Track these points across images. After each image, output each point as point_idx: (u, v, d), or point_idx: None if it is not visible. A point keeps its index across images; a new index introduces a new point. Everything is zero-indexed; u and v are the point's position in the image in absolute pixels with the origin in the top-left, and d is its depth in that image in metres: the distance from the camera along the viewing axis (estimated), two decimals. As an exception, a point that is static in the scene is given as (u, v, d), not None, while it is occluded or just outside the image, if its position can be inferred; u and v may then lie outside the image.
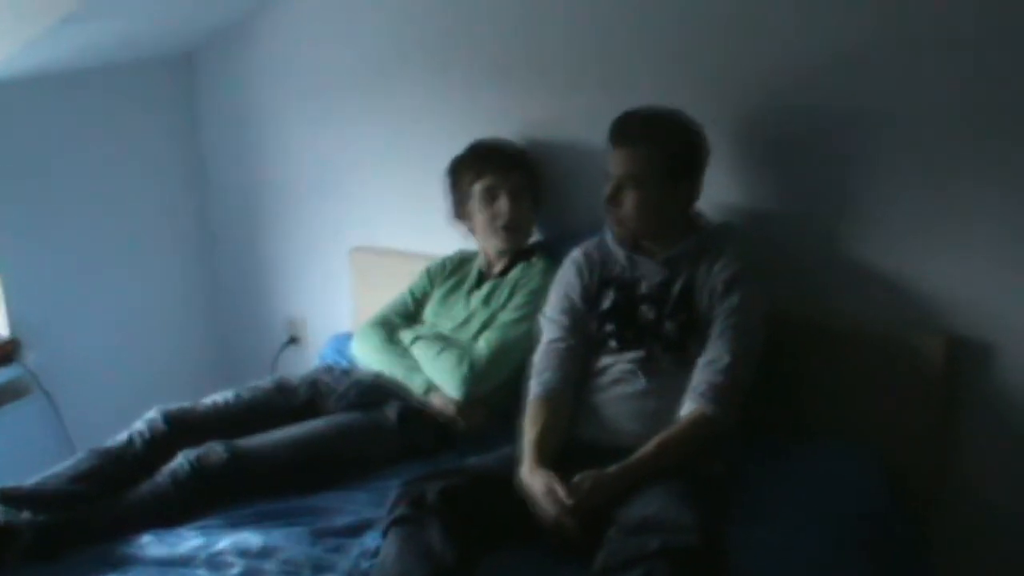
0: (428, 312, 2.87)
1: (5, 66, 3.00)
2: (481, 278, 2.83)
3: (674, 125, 2.28)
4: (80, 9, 2.77)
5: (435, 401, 2.59)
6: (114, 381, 3.64)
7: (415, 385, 2.62)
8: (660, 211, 2.28)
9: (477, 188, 2.75)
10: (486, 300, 2.74)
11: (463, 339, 2.68)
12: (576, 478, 1.97)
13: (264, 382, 2.75)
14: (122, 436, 2.44)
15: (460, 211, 2.84)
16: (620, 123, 2.27)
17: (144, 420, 2.48)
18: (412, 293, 2.94)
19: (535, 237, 2.89)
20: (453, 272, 2.92)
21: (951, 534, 2.37)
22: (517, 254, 2.78)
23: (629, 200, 2.25)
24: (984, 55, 2.12)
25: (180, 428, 2.46)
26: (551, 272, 2.56)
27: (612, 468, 2.00)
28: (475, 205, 2.77)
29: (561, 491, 1.95)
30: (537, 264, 2.72)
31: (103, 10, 2.91)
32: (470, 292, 2.81)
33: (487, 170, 2.74)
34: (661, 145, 2.24)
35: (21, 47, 2.91)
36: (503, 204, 2.72)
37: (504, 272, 2.78)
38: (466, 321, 2.73)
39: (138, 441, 2.42)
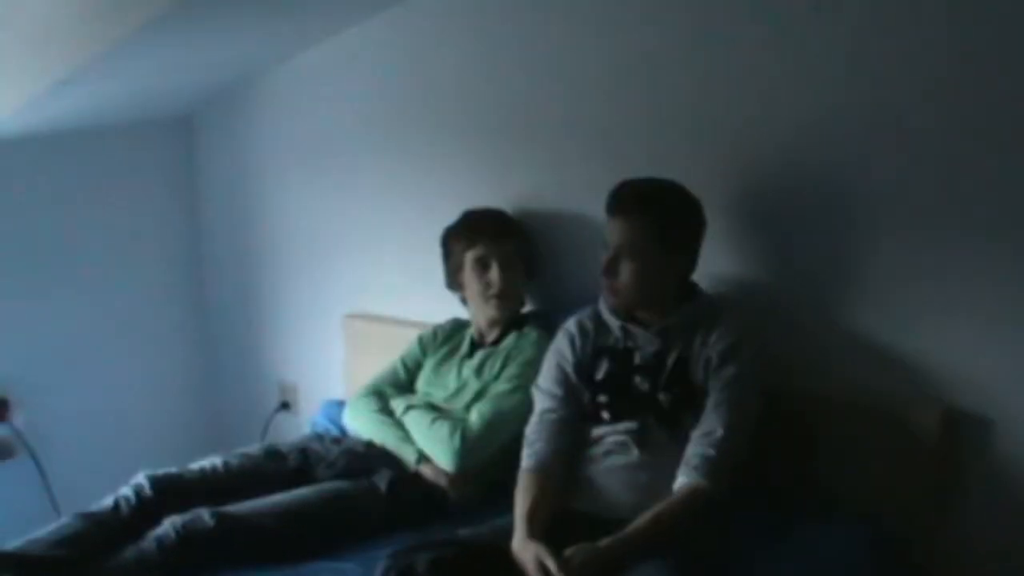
0: (420, 381, 2.86)
1: (3, 124, 3.01)
2: (474, 347, 2.82)
3: (672, 196, 2.28)
4: (76, 72, 2.79)
5: (427, 472, 2.56)
6: (102, 444, 3.62)
7: (407, 455, 2.60)
8: (656, 282, 2.28)
9: (469, 257, 2.76)
10: (478, 370, 2.72)
11: (455, 409, 2.66)
12: (567, 552, 1.94)
13: (253, 448, 2.72)
14: (108, 500, 2.40)
15: (453, 280, 2.85)
16: (618, 193, 2.27)
17: (131, 485, 2.44)
18: (404, 362, 2.93)
19: (529, 307, 2.89)
20: (446, 341, 2.91)
21: None
22: (510, 324, 2.78)
23: (625, 270, 2.24)
24: (978, 125, 2.13)
25: (167, 493, 2.42)
26: (544, 342, 2.56)
27: (604, 541, 1.97)
28: (467, 274, 2.78)
29: (552, 564, 1.92)
30: (530, 334, 2.71)
31: (101, 73, 2.92)
32: (462, 361, 2.80)
33: (479, 239, 2.75)
34: (658, 216, 2.24)
35: (20, 106, 2.93)
36: (494, 273, 2.72)
37: (496, 342, 2.77)
38: (458, 391, 2.71)
39: (124, 506, 2.38)
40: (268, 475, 2.58)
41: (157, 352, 3.93)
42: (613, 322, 2.33)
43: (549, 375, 2.38)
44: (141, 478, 2.46)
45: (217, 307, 4.03)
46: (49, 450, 3.43)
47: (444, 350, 2.88)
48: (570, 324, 2.42)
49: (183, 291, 4.00)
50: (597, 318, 2.38)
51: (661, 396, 2.23)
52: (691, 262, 2.34)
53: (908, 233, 2.25)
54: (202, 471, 2.57)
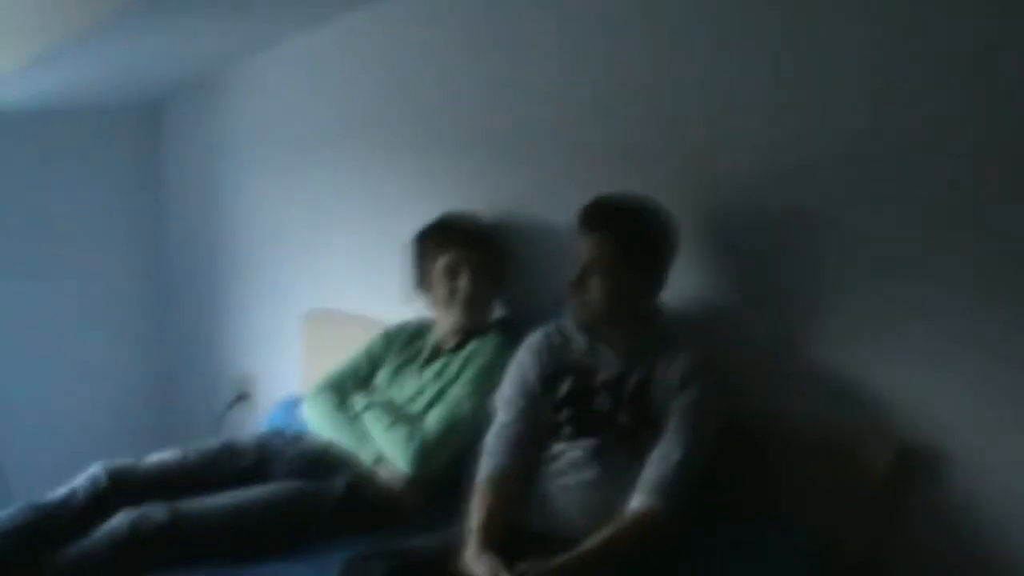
0: (380, 378, 2.84)
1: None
2: (435, 353, 2.79)
3: (646, 213, 2.29)
4: (48, 53, 2.76)
5: (382, 474, 2.55)
6: (57, 432, 3.59)
7: (363, 456, 2.59)
8: (626, 299, 2.28)
9: (440, 262, 2.74)
10: (438, 375, 2.71)
11: (412, 411, 2.65)
12: (520, 568, 1.95)
13: (211, 443, 2.70)
14: (62, 491, 2.39)
15: (422, 282, 2.83)
16: (592, 208, 2.27)
17: (86, 475, 2.43)
18: (368, 355, 2.90)
19: (496, 314, 2.88)
20: (410, 342, 2.88)
21: None
22: (473, 330, 2.76)
23: (596, 286, 2.24)
24: (943, 164, 2.14)
25: (123, 486, 2.41)
26: (505, 349, 2.55)
27: (558, 559, 1.98)
28: (436, 278, 2.76)
29: None
30: (491, 340, 2.69)
31: (73, 54, 2.90)
32: (423, 367, 2.77)
33: (451, 245, 2.73)
34: (632, 234, 2.25)
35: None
36: (464, 280, 2.71)
37: (458, 347, 2.75)
38: (417, 395, 2.70)
39: (79, 497, 2.36)
40: (225, 471, 2.57)
41: (115, 341, 3.90)
42: (579, 339, 2.33)
43: (511, 386, 2.37)
44: (97, 469, 2.44)
45: (177, 297, 4.00)
46: (2, 440, 3.39)
47: (407, 353, 2.85)
48: (535, 337, 2.41)
49: (143, 280, 3.97)
50: (563, 333, 2.38)
51: (621, 416, 2.23)
52: (660, 283, 2.34)
53: (873, 271, 2.25)
54: (159, 464, 2.55)
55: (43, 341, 3.63)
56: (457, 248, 2.72)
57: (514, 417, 2.32)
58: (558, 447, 2.27)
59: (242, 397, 3.77)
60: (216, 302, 3.87)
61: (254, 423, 3.44)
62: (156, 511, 2.26)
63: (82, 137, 3.65)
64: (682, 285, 2.46)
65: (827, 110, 2.29)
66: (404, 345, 2.88)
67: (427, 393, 2.68)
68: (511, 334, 2.62)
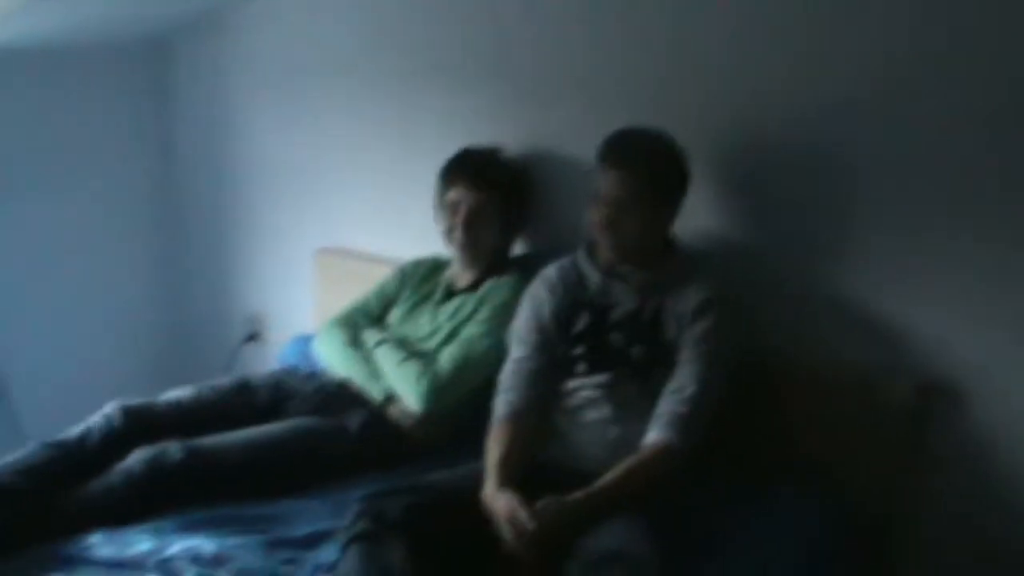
0: (394, 317, 2.81)
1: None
2: (450, 292, 2.76)
3: (664, 147, 2.26)
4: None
5: (393, 411, 2.55)
6: (69, 372, 3.58)
7: (374, 392, 2.58)
8: (646, 234, 2.26)
9: (446, 199, 2.71)
10: (452, 315, 2.67)
11: (427, 347, 2.63)
12: (539, 504, 1.94)
13: (226, 381, 2.70)
14: (77, 429, 2.38)
15: (436, 214, 2.79)
16: (613, 144, 2.24)
17: (102, 414, 2.42)
18: (382, 292, 2.88)
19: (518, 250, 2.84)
20: (425, 280, 2.85)
21: None
22: (488, 269, 2.72)
23: (623, 222, 2.21)
24: (968, 105, 2.12)
25: (139, 424, 2.40)
26: (521, 288, 2.50)
27: (574, 495, 1.97)
28: (443, 213, 2.73)
29: (523, 515, 1.92)
30: (508, 280, 2.65)
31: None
32: (437, 307, 2.74)
33: (457, 182, 2.68)
34: (656, 167, 2.23)
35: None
36: (459, 221, 2.66)
37: (474, 287, 2.71)
38: (431, 334, 2.67)
39: (95, 436, 2.36)
40: (240, 409, 2.57)
41: (125, 279, 3.89)
42: (593, 275, 2.31)
43: (526, 322, 2.35)
44: (112, 407, 2.44)
45: (188, 236, 3.98)
46: (16, 378, 3.39)
47: (422, 291, 2.82)
48: (550, 272, 2.38)
49: (152, 219, 3.94)
50: (577, 269, 2.35)
51: (636, 350, 2.22)
52: (675, 215, 2.31)
53: (894, 207, 2.24)
54: (174, 402, 2.55)
55: (53, 283, 3.61)
56: (461, 186, 2.68)
57: (529, 352, 2.30)
58: (573, 383, 2.26)
59: (254, 336, 3.76)
60: (227, 241, 3.84)
61: (267, 362, 3.43)
62: (171, 449, 2.26)
63: (90, 75, 3.61)
64: (699, 217, 2.45)
65: (853, 50, 2.25)
66: (419, 283, 2.85)
67: (441, 331, 2.65)
68: (529, 274, 2.54)
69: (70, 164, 3.59)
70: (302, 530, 2.10)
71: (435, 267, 2.87)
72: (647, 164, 2.22)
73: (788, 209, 2.41)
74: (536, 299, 2.36)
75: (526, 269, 2.61)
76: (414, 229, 2.89)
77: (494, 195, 2.68)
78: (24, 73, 3.34)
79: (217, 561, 1.95)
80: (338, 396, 2.61)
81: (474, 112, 2.95)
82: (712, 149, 2.44)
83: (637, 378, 2.21)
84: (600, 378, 2.23)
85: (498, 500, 1.99)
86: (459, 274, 2.77)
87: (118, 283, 3.84)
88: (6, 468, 2.22)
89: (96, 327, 3.77)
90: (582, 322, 2.28)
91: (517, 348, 2.33)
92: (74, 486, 2.21)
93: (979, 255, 2.15)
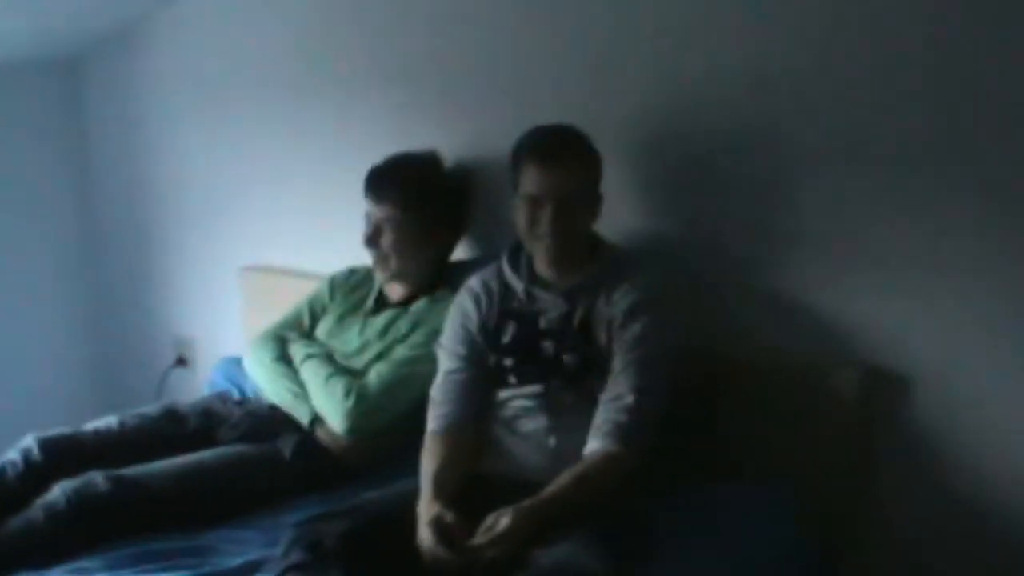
0: (321, 330, 2.73)
1: None
2: (380, 305, 2.68)
3: (588, 143, 2.22)
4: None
5: (321, 435, 2.47)
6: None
7: (300, 415, 2.50)
8: (583, 231, 2.23)
9: (370, 213, 2.61)
10: (383, 331, 2.59)
11: (354, 367, 2.54)
12: (488, 518, 1.89)
13: (152, 408, 2.62)
14: None
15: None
16: (540, 141, 2.19)
17: (17, 448, 2.33)
18: (310, 305, 2.80)
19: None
20: (354, 290, 2.77)
21: (865, 568, 2.32)
22: (422, 283, 2.64)
23: (559, 220, 2.15)
24: (908, 79, 2.09)
25: (58, 457, 2.32)
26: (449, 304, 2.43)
27: (525, 504, 1.91)
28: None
29: (450, 519, 1.90)
30: (442, 300, 2.54)
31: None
32: (367, 319, 2.66)
33: (368, 195, 2.59)
34: (585, 163, 2.19)
35: None
36: (371, 234, 2.58)
37: (405, 303, 2.64)
38: (360, 350, 2.59)
39: (10, 472, 2.27)
40: (167, 437, 2.49)
41: (43, 309, 3.81)
42: (518, 283, 2.26)
43: (453, 334, 2.30)
44: (29, 440, 2.35)
45: (107, 261, 3.91)
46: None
47: (351, 300, 2.74)
48: (473, 283, 2.34)
49: (71, 242, 3.88)
50: (501, 278, 2.30)
51: (567, 359, 2.17)
52: (598, 213, 2.27)
53: (831, 194, 2.22)
54: (96, 432, 2.47)
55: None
56: (369, 200, 2.59)
57: (458, 365, 2.26)
58: (504, 394, 2.21)
59: (182, 360, 3.68)
60: (151, 262, 3.78)
61: (197, 386, 3.36)
62: (95, 480, 2.17)
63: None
64: (624, 215, 2.43)
65: (786, 20, 2.23)
66: (349, 293, 2.78)
67: (371, 349, 2.57)
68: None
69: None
70: (233, 561, 2.02)
71: (366, 276, 2.78)
72: (581, 157, 2.19)
73: (717, 198, 2.38)
74: (463, 312, 2.31)
75: (456, 285, 2.49)
76: (339, 243, 2.82)
77: (404, 206, 2.57)
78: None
79: (144, 603, 1.88)
80: (269, 420, 2.53)
81: (399, 118, 2.91)
82: (639, 139, 2.42)
83: (571, 386, 2.16)
84: (533, 388, 2.18)
85: (428, 512, 1.94)
86: (391, 286, 2.69)
87: (37, 311, 3.78)
88: None
89: (11, 360, 3.69)
90: (510, 332, 2.23)
91: (447, 361, 2.29)
92: None
93: (921, 238, 2.13)
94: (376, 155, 2.70)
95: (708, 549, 2.04)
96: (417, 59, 2.86)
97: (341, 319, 2.71)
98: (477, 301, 2.29)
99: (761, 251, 2.35)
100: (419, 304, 2.60)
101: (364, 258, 2.74)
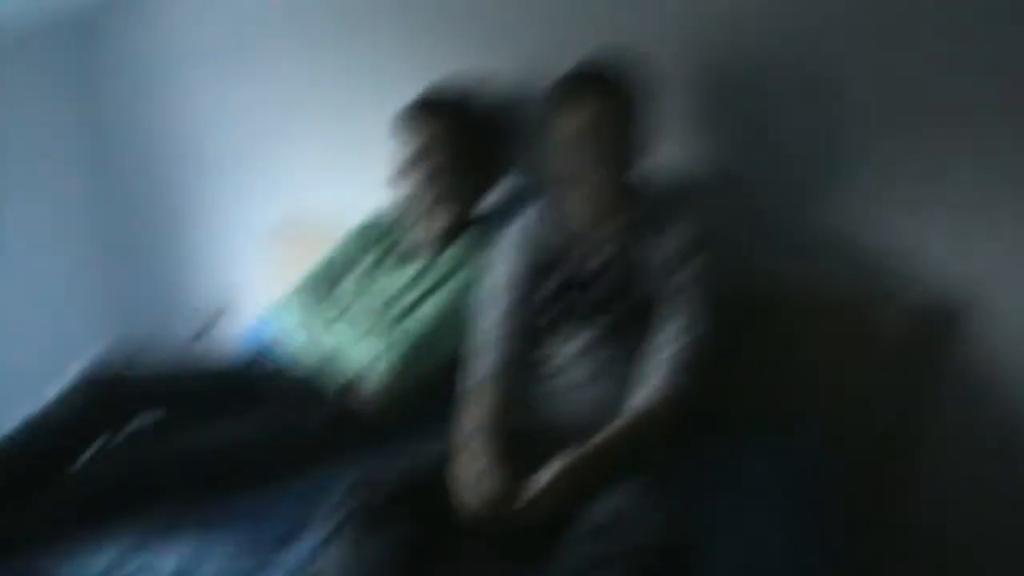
0: (348, 284, 2.67)
1: None
2: (412, 252, 2.62)
3: (620, 79, 2.13)
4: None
5: (351, 394, 2.42)
6: (11, 370, 3.52)
7: (329, 379, 2.45)
8: (613, 175, 2.13)
9: (408, 147, 2.53)
10: (416, 280, 2.53)
11: (386, 320, 2.48)
12: (530, 482, 1.85)
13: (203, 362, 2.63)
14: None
15: (398, 171, 2.61)
16: (577, 75, 2.13)
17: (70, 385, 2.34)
18: (334, 260, 2.74)
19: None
20: (380, 239, 2.71)
21: (916, 509, 2.30)
22: (451, 228, 2.57)
23: (581, 163, 2.09)
24: (960, 25, 2.06)
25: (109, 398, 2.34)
26: (485, 253, 2.40)
27: (567, 458, 1.87)
28: (406, 166, 2.55)
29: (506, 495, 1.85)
30: (474, 243, 2.50)
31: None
32: (398, 267, 2.60)
33: (410, 119, 2.53)
34: (615, 101, 2.11)
35: None
36: (421, 174, 2.51)
37: (435, 250, 2.57)
38: (392, 300, 2.52)
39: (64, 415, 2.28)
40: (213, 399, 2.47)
41: (70, 275, 3.85)
42: (558, 233, 2.21)
43: (496, 285, 2.25)
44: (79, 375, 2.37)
45: (134, 226, 3.91)
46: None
47: (376, 253, 2.68)
48: (516, 231, 2.28)
49: (90, 209, 3.88)
50: (544, 224, 2.25)
51: (612, 306, 2.12)
52: (642, 152, 2.19)
53: (883, 129, 2.18)
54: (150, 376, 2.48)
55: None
56: (415, 126, 2.52)
57: (501, 317, 2.21)
58: (549, 346, 2.17)
59: (216, 320, 3.65)
60: (177, 228, 3.77)
61: (231, 341, 3.35)
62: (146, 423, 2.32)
63: (13, 61, 3.54)
64: (678, 145, 2.38)
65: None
66: (374, 244, 2.71)
67: (404, 300, 2.51)
68: (492, 232, 2.43)
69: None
70: (270, 530, 2.00)
71: (390, 226, 2.72)
72: (612, 95, 2.11)
73: (771, 136, 2.33)
74: (505, 261, 2.26)
75: (493, 228, 2.46)
76: (369, 187, 2.75)
77: (463, 140, 2.53)
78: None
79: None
80: (300, 387, 2.47)
81: (425, 58, 2.83)
82: (686, 67, 2.36)
83: (613, 338, 2.11)
84: (575, 338, 2.13)
85: (488, 475, 1.89)
86: (418, 234, 2.62)
87: (61, 280, 3.82)
88: None
89: (42, 328, 3.73)
90: (553, 281, 2.18)
91: (490, 312, 2.23)
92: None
93: (975, 171, 2.09)
94: (396, 95, 2.62)
95: (754, 493, 2.04)
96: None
97: (372, 270, 2.65)
98: (520, 249, 2.25)
99: (810, 187, 2.31)
100: (449, 252, 2.54)
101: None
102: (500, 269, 2.26)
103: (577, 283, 2.15)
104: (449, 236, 2.57)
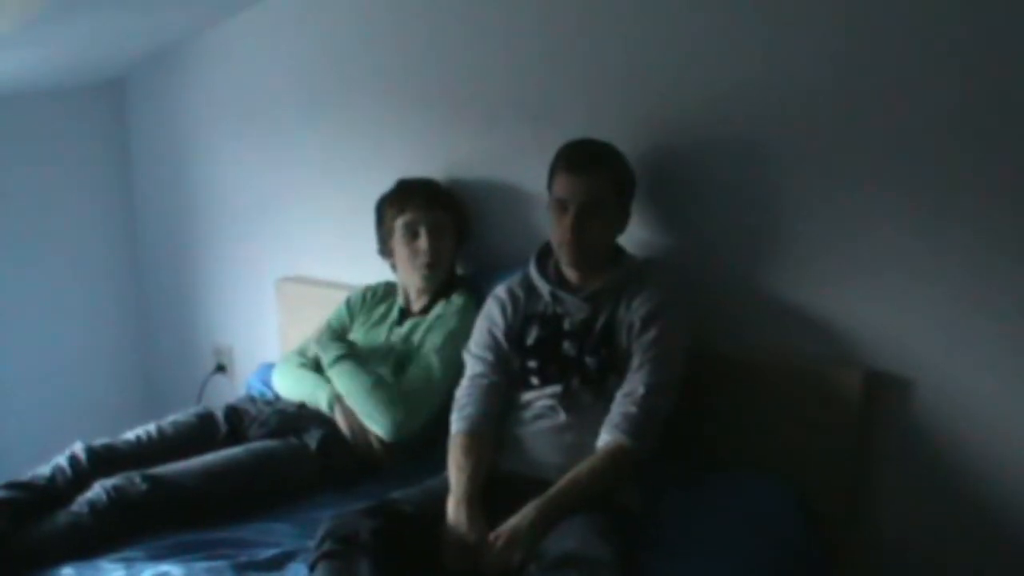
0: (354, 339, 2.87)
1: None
2: (403, 316, 2.84)
3: (618, 152, 2.36)
4: (5, 35, 2.75)
5: (338, 419, 2.61)
6: (33, 411, 3.61)
7: (320, 400, 2.66)
8: (611, 238, 2.36)
9: (399, 224, 2.78)
10: (406, 339, 2.75)
11: (383, 372, 2.67)
12: (490, 536, 2.00)
13: (186, 414, 2.72)
14: (43, 470, 2.38)
15: (384, 247, 2.87)
16: (573, 152, 2.33)
17: (66, 455, 2.43)
18: (331, 325, 2.95)
19: (459, 271, 2.92)
20: (376, 304, 2.93)
21: (863, 567, 2.41)
22: (438, 292, 2.80)
23: (590, 227, 2.28)
24: (899, 87, 2.18)
25: (102, 463, 2.41)
26: (470, 309, 2.63)
27: (528, 511, 2.03)
28: (397, 241, 2.80)
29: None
30: (456, 302, 2.73)
31: (30, 39, 2.90)
32: (391, 329, 2.82)
33: (408, 206, 2.77)
34: (616, 172, 2.33)
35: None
36: (423, 241, 2.74)
37: (425, 310, 2.80)
38: (383, 356, 2.73)
39: (60, 478, 2.36)
40: (202, 440, 2.59)
41: (92, 318, 3.91)
42: (543, 288, 2.37)
43: (480, 340, 2.42)
44: (78, 447, 2.45)
45: (152, 272, 4.02)
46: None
47: (376, 314, 2.90)
48: (500, 291, 2.45)
49: (116, 256, 3.97)
50: (527, 284, 2.42)
51: (587, 360, 2.27)
52: (627, 220, 2.40)
53: (828, 196, 2.31)
54: (136, 439, 2.56)
55: (15, 323, 3.62)
56: (414, 209, 2.77)
57: (484, 370, 2.37)
58: (528, 396, 2.32)
59: (222, 367, 3.79)
60: (191, 273, 3.88)
61: (236, 392, 3.45)
62: (133, 479, 2.27)
63: (46, 119, 3.62)
64: (640, 227, 2.53)
65: (771, 39, 2.34)
66: (371, 307, 2.93)
67: (393, 353, 2.72)
68: (475, 292, 2.70)
69: (30, 205, 3.62)
70: (268, 552, 2.11)
71: (386, 291, 2.96)
72: (609, 167, 2.31)
73: (724, 209, 2.48)
74: (490, 318, 2.43)
75: (472, 290, 2.74)
76: (373, 255, 2.93)
77: (444, 210, 2.80)
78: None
79: (187, 588, 1.96)
80: (296, 417, 2.65)
81: (418, 140, 3.05)
82: (644, 156, 2.50)
83: (591, 386, 2.26)
84: (554, 388, 2.28)
85: (469, 526, 2.05)
86: (413, 298, 2.85)
87: (82, 321, 3.88)
88: None
89: (61, 365, 3.79)
90: (534, 335, 2.34)
91: (473, 366, 2.40)
92: (36, 523, 2.21)
93: (919, 245, 2.21)
94: (397, 172, 2.89)
95: (706, 541, 2.12)
96: (433, 85, 2.99)
97: (368, 331, 2.86)
98: (503, 308, 2.41)
99: (765, 258, 2.44)
100: (436, 309, 2.76)
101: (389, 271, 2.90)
102: (486, 327, 2.42)
103: (559, 335, 2.31)
104: (433, 299, 2.80)
